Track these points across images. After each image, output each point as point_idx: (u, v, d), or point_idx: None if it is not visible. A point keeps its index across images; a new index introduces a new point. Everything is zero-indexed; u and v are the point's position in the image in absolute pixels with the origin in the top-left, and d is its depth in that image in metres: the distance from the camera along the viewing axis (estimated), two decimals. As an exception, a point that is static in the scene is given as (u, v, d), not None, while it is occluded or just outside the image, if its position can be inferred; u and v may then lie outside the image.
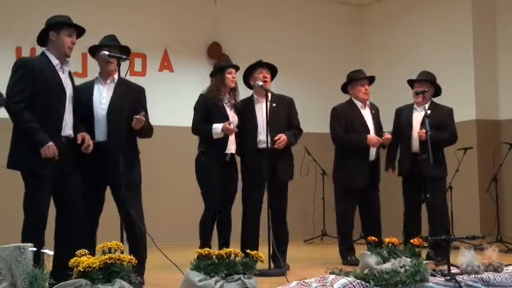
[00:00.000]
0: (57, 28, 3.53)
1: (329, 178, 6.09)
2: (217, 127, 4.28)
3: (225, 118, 4.37)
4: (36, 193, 3.35)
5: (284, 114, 4.54)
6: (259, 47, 6.78)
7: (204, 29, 6.89)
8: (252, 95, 4.64)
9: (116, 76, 3.78)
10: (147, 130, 3.81)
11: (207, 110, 4.37)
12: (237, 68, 4.56)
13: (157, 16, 6.67)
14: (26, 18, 5.75)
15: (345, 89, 4.93)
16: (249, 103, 4.57)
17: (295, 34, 7.42)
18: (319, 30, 7.64)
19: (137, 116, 3.60)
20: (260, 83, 4.45)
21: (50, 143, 3.35)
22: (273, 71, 4.63)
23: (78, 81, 3.90)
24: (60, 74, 3.50)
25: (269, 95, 4.37)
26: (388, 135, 4.71)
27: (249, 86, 4.67)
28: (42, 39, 3.59)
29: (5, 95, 3.33)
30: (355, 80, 4.82)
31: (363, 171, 4.73)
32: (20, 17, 5.80)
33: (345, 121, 4.77)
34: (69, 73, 3.63)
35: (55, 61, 3.52)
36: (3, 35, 5.77)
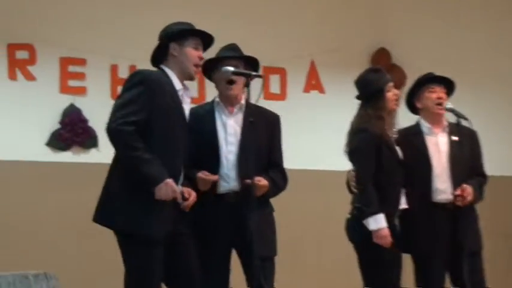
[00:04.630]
0: (180, 38, 3.29)
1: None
2: None
3: (399, 164, 3.95)
4: (146, 265, 3.12)
5: (467, 153, 4.11)
6: (440, 54, 6.37)
7: (367, 32, 6.48)
8: (418, 123, 4.19)
9: (243, 101, 3.52)
10: (275, 192, 3.58)
11: (377, 153, 3.91)
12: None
13: (299, 18, 6.31)
14: (121, 30, 5.65)
15: None
16: (414, 134, 4.14)
17: (481, 38, 6.82)
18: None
19: (258, 182, 3.34)
20: (449, 104, 4.08)
21: (170, 180, 3.09)
22: (449, 88, 4.24)
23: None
24: (183, 103, 3.32)
25: (445, 122, 4.07)
26: None
27: (414, 110, 4.26)
28: (158, 55, 3.33)
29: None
30: None
31: None
32: (114, 30, 5.72)
33: None
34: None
35: (178, 84, 3.28)
36: (95, 50, 5.61)
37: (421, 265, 4.13)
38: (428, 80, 4.25)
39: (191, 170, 3.41)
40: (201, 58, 3.37)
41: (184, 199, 3.29)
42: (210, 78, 3.70)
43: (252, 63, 3.63)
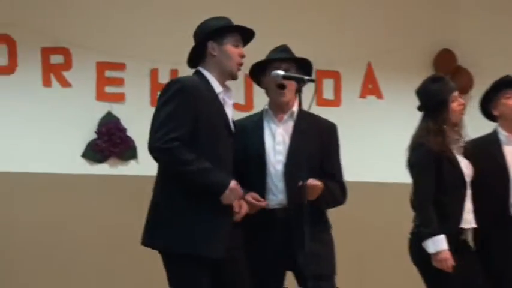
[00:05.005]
0: (219, 36, 3.22)
1: None
2: None
3: (463, 180, 3.81)
4: (199, 286, 3.12)
5: None
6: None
7: (429, 31, 6.33)
8: (495, 131, 4.08)
9: (295, 109, 3.45)
10: (330, 200, 3.49)
11: (437, 169, 3.79)
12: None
13: (354, 16, 6.21)
14: (162, 32, 5.57)
15: None
16: (490, 143, 4.05)
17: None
18: None
19: (311, 183, 3.25)
20: None
21: (234, 183, 3.11)
22: None
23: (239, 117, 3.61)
24: (224, 106, 3.27)
25: None
26: None
27: (490, 117, 4.14)
28: (195, 55, 3.28)
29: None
30: None
31: None
32: (155, 32, 5.68)
33: None
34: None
35: (218, 87, 3.23)
36: (134, 54, 5.56)
37: (499, 286, 4.00)
38: (506, 84, 4.11)
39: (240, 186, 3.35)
40: (242, 56, 3.29)
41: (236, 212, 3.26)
42: (259, 83, 3.63)
43: (304, 66, 3.54)
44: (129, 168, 5.34)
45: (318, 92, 5.74)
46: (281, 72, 3.29)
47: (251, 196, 3.35)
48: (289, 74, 3.34)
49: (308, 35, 5.72)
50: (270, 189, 3.45)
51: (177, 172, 3.09)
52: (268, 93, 3.56)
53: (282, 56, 3.51)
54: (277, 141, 3.50)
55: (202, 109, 3.14)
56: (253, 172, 3.46)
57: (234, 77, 3.30)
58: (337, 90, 6.17)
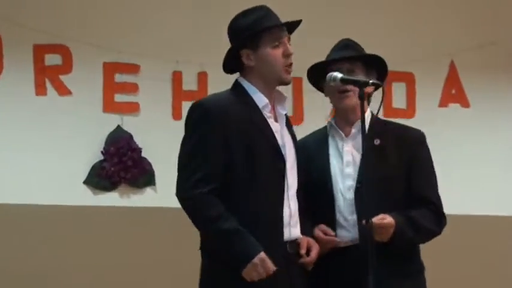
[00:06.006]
0: (251, 40, 3.06)
1: None
2: None
3: None
4: None
5: None
6: None
7: None
8: None
9: (368, 116, 3.26)
10: (413, 237, 3.27)
11: None
12: None
13: (432, 6, 5.71)
14: (185, 28, 5.16)
15: None
16: None
17: None
18: None
19: (377, 222, 3.10)
20: None
21: (262, 255, 2.92)
22: None
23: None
24: (272, 123, 3.08)
25: None
26: None
27: None
28: (230, 63, 3.17)
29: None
30: None
31: None
32: (177, 27, 5.29)
33: None
34: (287, 120, 3.18)
35: (261, 100, 3.06)
36: (150, 53, 5.12)
37: None
38: None
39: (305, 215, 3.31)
40: (288, 54, 3.10)
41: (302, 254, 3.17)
42: (322, 90, 3.46)
43: (375, 65, 3.35)
44: (144, 198, 4.88)
45: (387, 99, 5.29)
46: (338, 75, 3.06)
47: (321, 230, 3.25)
48: (347, 76, 3.11)
49: (375, 28, 5.33)
50: (339, 223, 3.31)
51: (200, 230, 3.07)
52: (331, 101, 3.40)
53: (343, 54, 3.31)
54: (345, 161, 3.31)
55: (234, 136, 3.02)
56: (318, 203, 3.31)
57: (284, 83, 3.16)
58: (410, 96, 5.63)
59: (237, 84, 3.15)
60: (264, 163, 3.06)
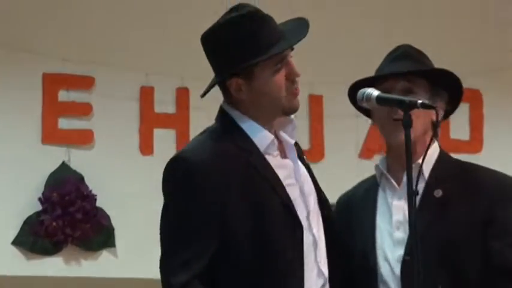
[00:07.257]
0: (246, 68, 2.52)
1: None
2: None
3: None
4: None
5: None
6: None
7: None
8: None
9: (432, 153, 2.70)
10: None
11: None
12: None
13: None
14: (159, 31, 4.60)
15: None
16: None
17: None
18: None
19: None
20: None
21: None
22: None
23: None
24: (278, 167, 2.43)
25: None
26: None
27: None
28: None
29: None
30: None
31: None
32: (148, 31, 4.74)
33: None
34: (301, 157, 2.61)
35: (265, 138, 2.48)
36: (116, 62, 4.47)
37: None
38: None
39: None
40: (294, 76, 2.54)
41: None
42: (369, 114, 2.99)
43: (444, 83, 2.76)
44: (100, 266, 4.15)
45: (443, 126, 4.00)
46: (374, 92, 2.57)
47: None
48: (387, 95, 2.62)
49: (433, 35, 4.67)
50: None
51: None
52: (381, 132, 2.99)
53: (397, 68, 2.81)
54: (394, 222, 2.82)
55: (227, 196, 2.52)
56: (358, 279, 2.86)
57: (291, 112, 2.69)
58: (475, 122, 4.88)
59: (224, 118, 2.61)
60: (277, 234, 2.54)
